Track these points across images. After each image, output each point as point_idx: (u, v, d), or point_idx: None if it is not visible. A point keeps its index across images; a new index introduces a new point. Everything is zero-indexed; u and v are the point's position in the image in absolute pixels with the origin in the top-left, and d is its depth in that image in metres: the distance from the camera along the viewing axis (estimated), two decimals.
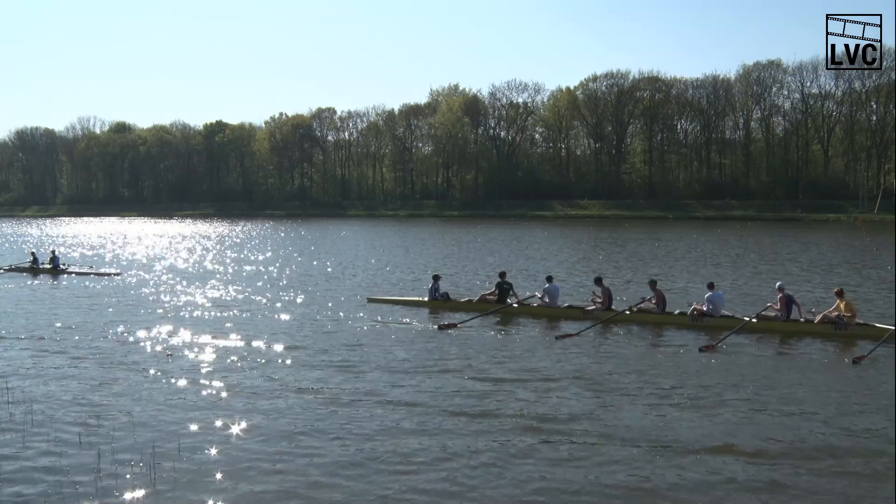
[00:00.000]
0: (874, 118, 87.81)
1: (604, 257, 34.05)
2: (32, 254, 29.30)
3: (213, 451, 7.92)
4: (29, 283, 24.88)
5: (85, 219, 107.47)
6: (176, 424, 8.83)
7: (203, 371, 11.54)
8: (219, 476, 7.30)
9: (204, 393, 10.23)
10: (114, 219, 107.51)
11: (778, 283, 15.53)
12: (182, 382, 10.80)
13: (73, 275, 26.78)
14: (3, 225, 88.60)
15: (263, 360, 12.27)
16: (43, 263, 28.19)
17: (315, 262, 32.13)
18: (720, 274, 25.39)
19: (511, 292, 17.49)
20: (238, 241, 50.52)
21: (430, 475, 7.33)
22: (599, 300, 16.39)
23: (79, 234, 61.22)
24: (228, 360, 12.26)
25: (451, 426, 8.76)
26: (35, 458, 7.84)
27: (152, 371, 11.53)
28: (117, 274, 26.78)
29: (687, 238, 48.19)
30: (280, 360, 12.28)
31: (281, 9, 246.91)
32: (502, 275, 18.03)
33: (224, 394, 10.20)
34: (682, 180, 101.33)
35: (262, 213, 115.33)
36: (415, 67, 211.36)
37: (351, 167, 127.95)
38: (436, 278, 18.61)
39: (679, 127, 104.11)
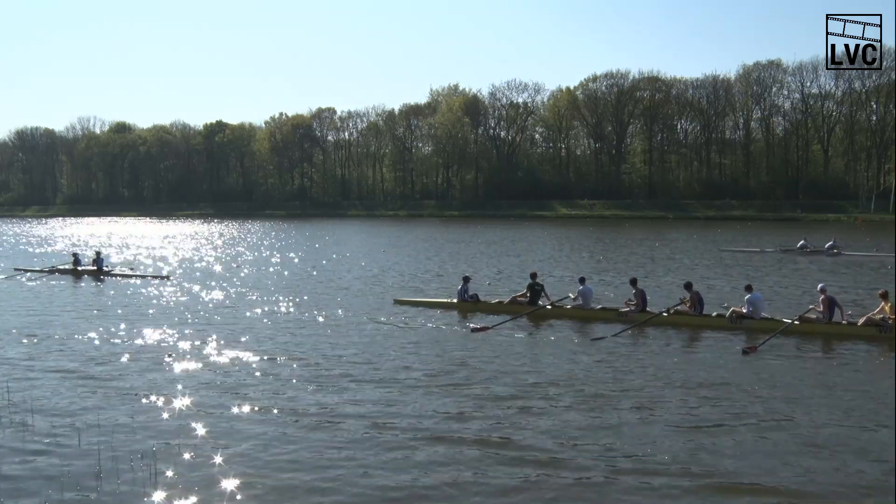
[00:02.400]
0: (874, 118, 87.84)
1: (603, 258, 34.06)
2: (74, 255, 28.15)
3: (217, 455, 7.84)
4: (71, 285, 23.92)
5: (86, 219, 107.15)
6: (179, 427, 8.77)
7: (219, 374, 11.30)
8: (220, 480, 7.27)
9: (216, 396, 10.07)
10: (115, 219, 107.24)
11: (820, 285, 15.10)
12: (192, 385, 10.68)
13: (119, 277, 25.59)
14: (9, 225, 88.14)
15: (284, 363, 11.94)
16: (86, 265, 27.10)
17: (329, 263, 31.73)
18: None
19: (543, 294, 17.17)
20: (253, 242, 49.69)
21: (457, 484, 7.16)
22: (633, 302, 16.11)
23: (92, 235, 60.22)
24: (246, 364, 11.97)
25: (484, 437, 8.41)
26: (35, 459, 7.85)
27: (164, 373, 11.46)
28: (166, 277, 25.47)
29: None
30: (302, 363, 11.95)
31: (280, 9, 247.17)
32: (533, 276, 17.63)
33: (236, 397, 10.00)
34: (682, 180, 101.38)
35: (262, 213, 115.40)
36: (415, 67, 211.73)
37: (351, 167, 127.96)
38: (465, 279, 18.23)
39: (679, 127, 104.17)
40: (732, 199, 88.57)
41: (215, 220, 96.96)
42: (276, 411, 9.35)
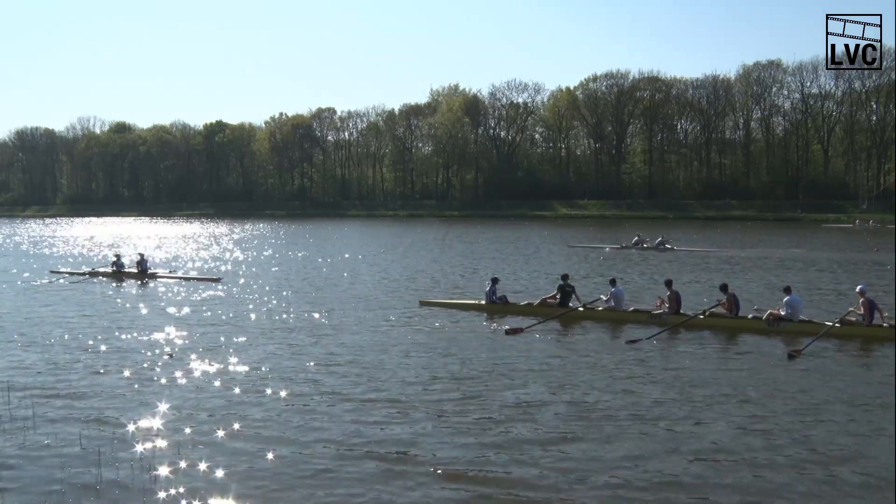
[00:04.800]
0: (874, 118, 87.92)
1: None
2: (117, 255, 26.81)
3: (220, 456, 7.78)
4: (114, 288, 22.85)
5: (88, 219, 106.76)
6: (184, 435, 8.60)
7: (238, 376, 11.05)
8: (221, 482, 7.23)
9: (230, 399, 9.93)
10: (117, 219, 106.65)
11: (859, 287, 14.58)
12: (209, 386, 10.57)
13: (167, 280, 24.40)
14: (12, 226, 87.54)
15: (305, 366, 11.63)
16: (129, 267, 26.01)
17: (344, 264, 31.19)
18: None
19: (574, 295, 16.89)
20: (274, 242, 48.42)
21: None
22: (667, 304, 15.76)
23: (96, 236, 59.24)
24: (268, 366, 11.66)
25: (525, 445, 8.10)
26: (36, 458, 7.85)
27: (190, 378, 11.34)
28: (217, 280, 24.37)
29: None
30: (329, 369, 11.55)
31: (281, 9, 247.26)
32: (564, 277, 17.31)
33: (250, 400, 9.87)
34: (682, 180, 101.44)
35: (263, 213, 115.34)
36: (415, 67, 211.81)
37: (351, 167, 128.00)
38: (494, 281, 17.92)
39: (679, 127, 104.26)
40: (732, 199, 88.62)
41: (216, 221, 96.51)
42: (293, 421, 8.95)
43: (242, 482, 7.17)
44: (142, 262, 25.63)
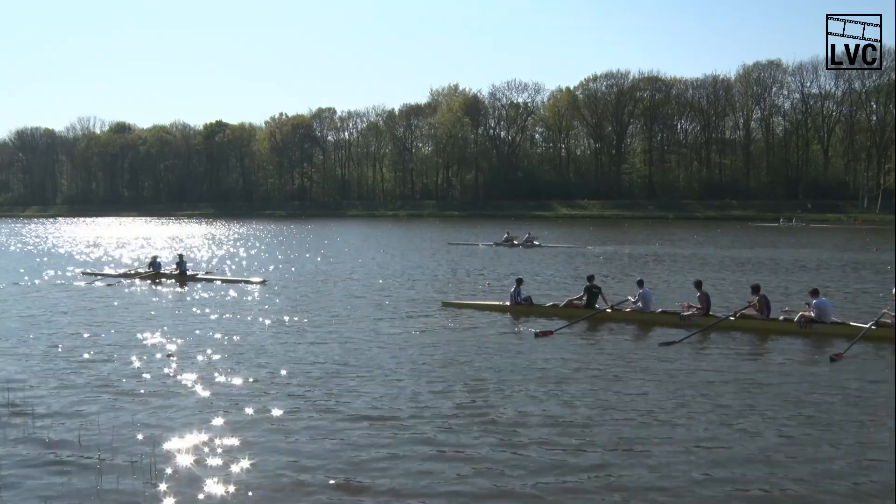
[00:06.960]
0: (874, 118, 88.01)
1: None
2: (153, 257, 26.03)
3: (223, 458, 7.73)
4: (152, 291, 21.96)
5: (88, 219, 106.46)
6: (185, 432, 8.55)
7: (247, 383, 10.79)
8: (223, 482, 7.20)
9: (235, 403, 9.76)
10: (119, 219, 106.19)
11: (895, 290, 14.48)
12: (223, 389, 10.44)
13: (209, 282, 23.66)
14: (15, 225, 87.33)
15: (318, 371, 11.37)
16: (167, 268, 25.47)
17: (355, 264, 30.78)
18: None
19: (601, 296, 16.72)
20: (295, 244, 47.44)
21: None
22: (698, 307, 15.52)
23: (102, 236, 58.30)
24: (282, 369, 11.45)
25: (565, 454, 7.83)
26: (36, 459, 7.84)
27: (190, 373, 11.31)
28: (262, 282, 23.47)
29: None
30: (352, 373, 11.24)
31: (282, 9, 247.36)
32: (590, 278, 17.19)
33: (261, 402, 9.70)
34: (682, 180, 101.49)
35: (263, 213, 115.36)
36: (415, 67, 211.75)
37: (351, 167, 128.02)
38: (519, 282, 17.77)
39: (679, 127, 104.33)
40: (732, 199, 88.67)
41: (217, 221, 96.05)
42: (297, 430, 8.74)
43: (242, 492, 7.07)
44: (181, 264, 24.70)
